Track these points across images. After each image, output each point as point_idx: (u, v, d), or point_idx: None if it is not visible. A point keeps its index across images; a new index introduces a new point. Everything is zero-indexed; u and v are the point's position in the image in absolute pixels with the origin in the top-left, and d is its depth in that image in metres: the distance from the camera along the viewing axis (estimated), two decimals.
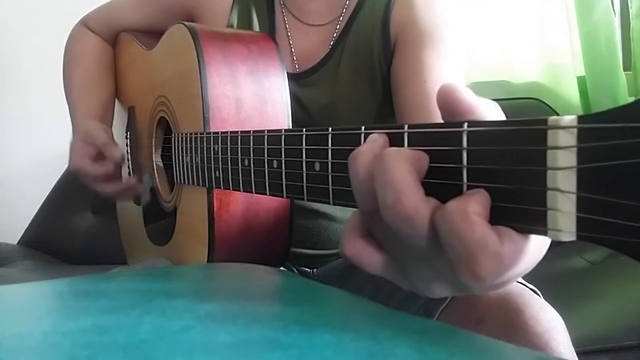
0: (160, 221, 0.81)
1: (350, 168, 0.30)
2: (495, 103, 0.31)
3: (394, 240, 0.29)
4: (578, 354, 0.55)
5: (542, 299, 0.58)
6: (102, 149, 0.80)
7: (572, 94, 1.56)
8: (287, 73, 0.69)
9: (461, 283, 0.27)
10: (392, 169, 0.27)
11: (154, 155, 0.82)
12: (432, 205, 0.27)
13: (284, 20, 0.82)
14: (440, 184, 0.28)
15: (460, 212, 0.25)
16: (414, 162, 0.28)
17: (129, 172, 0.91)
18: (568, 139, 0.23)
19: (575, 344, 0.55)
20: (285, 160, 0.43)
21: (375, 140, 0.31)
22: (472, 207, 0.25)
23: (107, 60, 0.97)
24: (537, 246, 0.27)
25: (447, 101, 0.28)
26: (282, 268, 0.77)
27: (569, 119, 0.23)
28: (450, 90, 0.28)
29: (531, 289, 0.59)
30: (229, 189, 0.55)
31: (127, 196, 0.86)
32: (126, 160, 0.81)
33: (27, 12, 1.54)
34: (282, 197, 0.44)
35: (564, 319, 0.56)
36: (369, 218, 0.30)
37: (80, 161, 0.81)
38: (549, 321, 0.54)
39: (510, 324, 0.54)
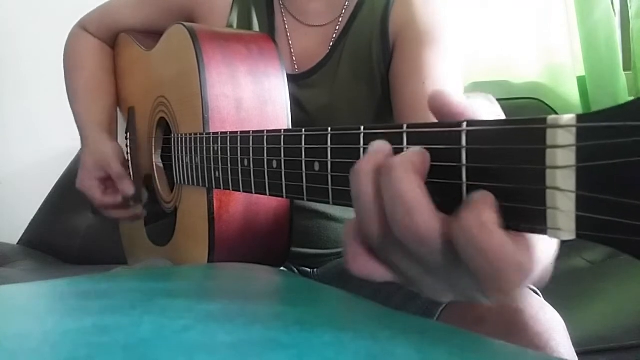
0: (160, 221, 0.81)
1: (352, 184, 0.29)
2: (489, 97, 0.31)
3: (402, 257, 0.28)
4: (578, 354, 0.55)
5: (542, 299, 0.58)
6: (115, 179, 0.82)
7: (572, 94, 1.56)
8: (287, 74, 0.69)
9: (475, 293, 0.27)
10: (400, 182, 0.26)
11: (153, 155, 0.82)
12: (442, 218, 0.26)
13: (284, 20, 0.82)
14: (439, 183, 0.28)
15: (479, 225, 0.25)
16: (421, 169, 0.27)
17: (129, 174, 0.91)
18: (567, 137, 0.23)
19: (575, 344, 0.55)
20: (284, 160, 0.43)
21: (376, 152, 0.29)
22: (489, 217, 0.25)
23: (108, 64, 0.97)
24: (549, 249, 0.26)
25: (438, 107, 0.28)
26: (282, 268, 0.77)
27: (568, 118, 0.23)
28: (439, 96, 0.28)
29: (531, 289, 0.59)
30: (229, 189, 0.55)
31: (128, 221, 0.88)
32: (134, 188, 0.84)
33: (27, 12, 1.54)
34: (282, 197, 0.44)
35: (564, 319, 0.56)
36: (374, 237, 0.29)
37: (90, 185, 0.84)
38: (549, 321, 0.54)
39: (510, 324, 0.54)
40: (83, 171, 0.85)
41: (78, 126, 0.91)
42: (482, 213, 0.25)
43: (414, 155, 0.28)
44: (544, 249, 0.26)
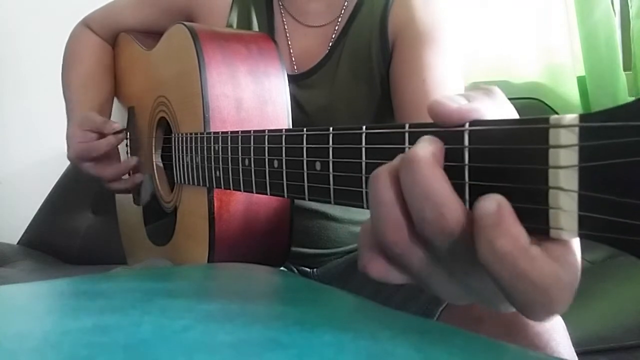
0: (160, 221, 0.81)
1: (371, 190, 0.28)
2: (491, 88, 0.31)
3: (425, 260, 0.27)
4: (578, 354, 0.55)
5: None
6: (100, 127, 0.81)
7: (572, 94, 1.56)
8: (286, 74, 0.69)
9: (496, 300, 0.27)
10: (426, 178, 0.25)
11: (154, 155, 0.82)
12: (470, 214, 0.25)
13: (283, 21, 0.82)
14: None
15: (519, 252, 0.23)
16: (440, 159, 0.26)
17: (129, 173, 0.91)
18: (570, 137, 0.23)
19: (575, 344, 0.55)
20: (286, 160, 0.43)
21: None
22: (522, 235, 0.23)
23: (107, 60, 0.97)
24: (578, 254, 0.25)
25: (438, 116, 0.28)
26: (282, 268, 0.77)
27: (571, 117, 0.23)
28: (437, 105, 0.28)
29: None
30: (230, 189, 0.55)
31: (127, 185, 0.86)
32: (125, 137, 0.82)
33: (27, 12, 1.54)
34: (283, 196, 0.44)
35: (564, 319, 0.56)
36: (394, 246, 0.27)
37: (79, 146, 0.82)
38: (549, 321, 0.54)
39: (510, 324, 0.54)
40: (70, 140, 0.84)
41: (68, 113, 0.90)
42: (512, 232, 0.23)
43: (432, 146, 0.27)
44: (578, 259, 0.25)
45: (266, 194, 0.48)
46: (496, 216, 0.24)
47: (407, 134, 0.30)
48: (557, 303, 0.23)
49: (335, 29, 0.79)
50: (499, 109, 0.30)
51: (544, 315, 0.24)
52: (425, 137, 0.28)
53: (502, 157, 0.25)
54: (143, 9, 0.91)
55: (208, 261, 0.65)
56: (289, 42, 0.81)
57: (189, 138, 0.65)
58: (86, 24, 0.98)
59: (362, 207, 0.34)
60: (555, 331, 0.54)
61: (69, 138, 0.84)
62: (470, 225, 0.25)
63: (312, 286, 0.46)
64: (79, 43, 0.97)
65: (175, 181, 0.72)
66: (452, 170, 0.27)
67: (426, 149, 0.26)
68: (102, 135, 0.82)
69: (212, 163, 0.59)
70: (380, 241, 0.28)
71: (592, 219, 0.22)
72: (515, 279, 0.23)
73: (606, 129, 0.21)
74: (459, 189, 0.27)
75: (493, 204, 0.24)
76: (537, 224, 0.24)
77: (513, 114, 0.30)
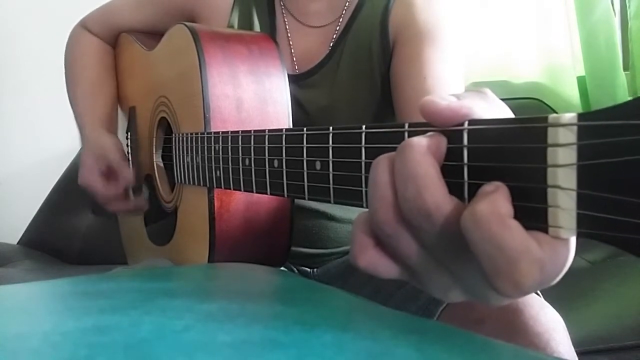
0: (161, 221, 0.81)
1: (370, 174, 0.29)
2: (485, 90, 0.31)
3: (410, 242, 0.28)
4: (578, 354, 0.55)
5: (542, 299, 0.58)
6: (116, 169, 0.82)
7: (572, 94, 1.56)
8: (287, 74, 0.69)
9: (484, 291, 0.26)
10: (413, 161, 0.26)
11: (154, 155, 0.82)
12: (455, 203, 0.26)
13: (284, 21, 0.82)
14: None
15: (495, 216, 0.24)
16: (435, 151, 0.27)
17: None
18: (568, 136, 0.23)
19: (575, 344, 0.55)
20: (286, 160, 0.43)
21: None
22: (505, 208, 0.24)
23: (109, 62, 0.97)
24: (571, 249, 0.25)
25: (429, 116, 0.28)
26: (282, 268, 0.77)
27: (569, 116, 0.23)
28: (426, 105, 0.28)
29: None
30: (230, 189, 0.55)
31: (132, 214, 0.88)
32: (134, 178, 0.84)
33: (27, 12, 1.54)
34: (283, 196, 0.44)
35: (564, 319, 0.56)
36: (384, 223, 0.28)
37: (91, 179, 0.84)
38: (549, 321, 0.54)
39: (510, 324, 0.54)
40: (84, 167, 0.85)
41: (78, 125, 0.91)
42: (499, 205, 0.24)
43: (430, 138, 0.28)
44: (571, 250, 0.25)
45: (266, 194, 0.48)
46: (488, 192, 0.25)
47: (406, 134, 0.30)
48: (524, 277, 0.24)
49: (336, 29, 0.80)
50: (492, 107, 0.30)
51: (511, 287, 0.24)
52: (429, 133, 0.28)
53: (500, 156, 0.26)
54: (144, 8, 0.91)
55: (208, 261, 0.65)
56: (290, 42, 0.81)
57: (189, 138, 0.65)
58: (84, 25, 0.97)
59: (362, 207, 0.34)
60: (555, 331, 0.54)
61: (81, 163, 0.86)
62: (453, 213, 0.26)
63: (312, 286, 0.46)
64: (79, 47, 0.96)
65: (176, 181, 0.72)
66: (451, 169, 0.27)
67: (422, 139, 0.27)
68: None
69: (213, 163, 0.59)
70: (373, 222, 0.29)
71: (590, 217, 0.22)
72: (486, 241, 0.24)
73: (605, 127, 0.21)
74: (457, 188, 0.27)
75: (492, 185, 0.25)
76: (536, 222, 0.24)
77: (507, 113, 0.31)
